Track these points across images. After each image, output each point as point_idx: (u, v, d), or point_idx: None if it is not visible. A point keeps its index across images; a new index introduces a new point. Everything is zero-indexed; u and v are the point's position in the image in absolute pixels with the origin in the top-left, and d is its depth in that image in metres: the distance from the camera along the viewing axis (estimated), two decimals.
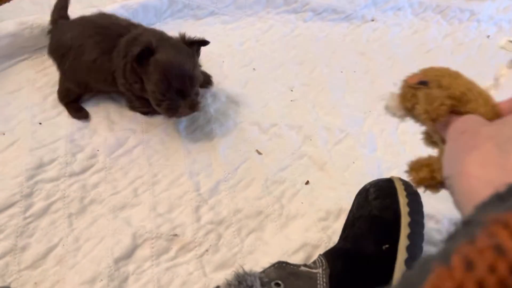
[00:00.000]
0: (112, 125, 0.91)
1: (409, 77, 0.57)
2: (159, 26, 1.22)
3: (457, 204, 0.38)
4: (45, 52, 1.08)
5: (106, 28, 0.84)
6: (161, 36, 0.83)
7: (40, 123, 0.90)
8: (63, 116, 0.92)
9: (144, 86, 0.81)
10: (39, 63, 1.06)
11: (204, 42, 0.86)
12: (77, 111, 0.92)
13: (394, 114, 0.61)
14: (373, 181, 0.67)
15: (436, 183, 0.52)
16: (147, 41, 0.76)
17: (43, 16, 1.08)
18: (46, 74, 1.03)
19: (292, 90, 1.06)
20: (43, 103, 0.95)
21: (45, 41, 1.08)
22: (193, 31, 1.22)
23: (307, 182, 0.85)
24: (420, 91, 0.52)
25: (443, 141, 0.50)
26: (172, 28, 1.22)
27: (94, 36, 0.83)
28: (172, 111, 0.81)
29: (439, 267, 0.19)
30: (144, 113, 0.91)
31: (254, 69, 1.11)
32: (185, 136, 0.91)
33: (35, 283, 0.67)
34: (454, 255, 0.19)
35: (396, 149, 0.94)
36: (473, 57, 1.24)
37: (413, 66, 1.17)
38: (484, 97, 0.49)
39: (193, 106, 0.81)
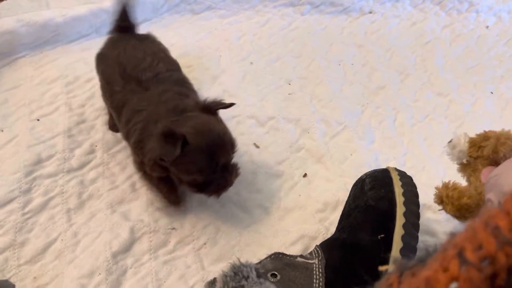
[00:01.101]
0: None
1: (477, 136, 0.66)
2: (156, 21, 1.23)
3: (496, 191, 0.45)
4: (43, 48, 1.09)
5: (125, 80, 0.76)
6: (179, 111, 0.70)
7: (38, 120, 0.90)
8: (60, 112, 0.92)
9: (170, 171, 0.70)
10: (37, 60, 1.06)
11: (227, 106, 0.73)
12: (115, 124, 0.85)
13: (452, 149, 0.68)
14: (369, 171, 0.67)
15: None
16: (180, 135, 0.63)
17: (40, 13, 1.08)
18: (43, 71, 1.03)
19: (289, 84, 1.06)
20: (40, 100, 0.95)
21: (44, 37, 1.09)
22: (190, 26, 1.22)
23: (305, 175, 0.85)
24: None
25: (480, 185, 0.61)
26: (169, 23, 1.23)
27: (114, 83, 0.77)
28: (220, 189, 0.71)
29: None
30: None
31: (251, 63, 1.11)
32: None
33: (34, 277, 0.68)
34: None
35: (394, 141, 0.94)
36: (472, 48, 1.23)
37: (412, 58, 1.18)
38: None
39: (237, 172, 0.73)
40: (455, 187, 0.63)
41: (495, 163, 0.62)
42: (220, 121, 0.71)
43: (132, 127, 0.71)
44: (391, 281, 0.27)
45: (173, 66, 0.83)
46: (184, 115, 0.68)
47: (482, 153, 0.63)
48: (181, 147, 0.63)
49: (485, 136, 0.65)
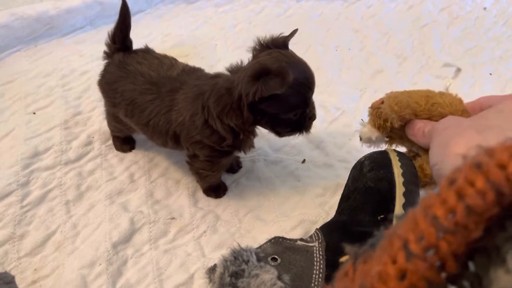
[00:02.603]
0: None
1: (373, 103, 0.65)
2: (150, 12, 1.22)
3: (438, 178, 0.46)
4: (37, 42, 1.08)
5: (155, 85, 0.70)
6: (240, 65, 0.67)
7: (34, 113, 0.90)
8: (56, 105, 0.92)
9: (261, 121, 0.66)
10: (32, 54, 1.06)
11: (293, 34, 0.67)
12: (122, 143, 0.85)
13: (369, 140, 0.66)
14: (368, 154, 0.67)
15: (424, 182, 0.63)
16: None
17: (34, 6, 1.07)
18: (38, 65, 1.03)
19: None
20: (36, 93, 0.94)
21: (38, 30, 1.08)
22: (185, 16, 1.21)
23: (304, 161, 0.84)
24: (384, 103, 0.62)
25: (423, 149, 0.61)
26: (164, 13, 1.22)
27: (145, 94, 0.70)
28: (309, 123, 0.68)
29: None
30: (204, 177, 0.75)
31: (247, 51, 1.09)
32: None
33: (35, 269, 0.67)
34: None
35: None
36: (470, 30, 1.22)
37: (409, 42, 1.17)
38: (451, 102, 0.59)
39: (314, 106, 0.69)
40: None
41: (405, 122, 0.61)
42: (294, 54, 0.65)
43: (200, 115, 0.66)
44: (347, 269, 0.27)
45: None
46: (267, 52, 0.63)
47: (389, 123, 0.61)
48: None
49: (376, 110, 0.63)
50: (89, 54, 1.06)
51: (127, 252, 0.69)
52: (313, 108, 0.68)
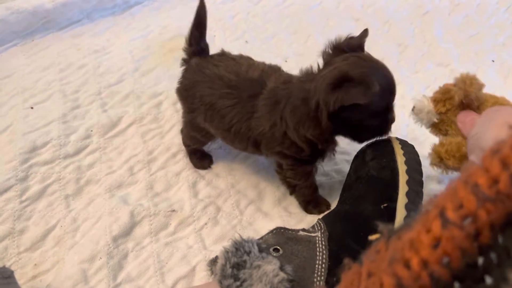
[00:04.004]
0: (104, 105, 0.90)
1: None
2: (147, 4, 1.20)
3: (477, 151, 0.46)
4: (34, 36, 1.07)
5: (235, 88, 0.67)
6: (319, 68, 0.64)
7: (32, 108, 0.89)
8: (54, 99, 0.91)
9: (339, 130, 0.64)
10: (29, 48, 1.05)
11: (366, 35, 0.65)
12: (200, 158, 0.81)
13: (420, 112, 0.65)
14: (370, 142, 0.66)
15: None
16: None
17: (29, 0, 1.06)
18: (35, 59, 1.02)
19: (286, 61, 1.03)
20: (34, 88, 0.93)
21: (34, 24, 1.07)
22: (183, 7, 1.20)
23: None
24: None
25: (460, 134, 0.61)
26: (162, 5, 1.21)
27: (225, 98, 0.67)
28: (388, 128, 0.65)
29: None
30: (292, 186, 0.72)
31: (246, 41, 1.08)
32: (179, 113, 0.90)
33: (35, 264, 0.67)
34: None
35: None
36: (472, 17, 1.20)
37: (410, 29, 1.15)
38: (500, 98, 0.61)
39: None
40: (449, 141, 0.61)
41: (467, 107, 0.61)
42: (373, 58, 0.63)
43: (279, 126, 0.63)
44: (379, 247, 0.27)
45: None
46: (338, 58, 0.60)
47: (451, 104, 0.62)
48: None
49: (445, 89, 0.63)
50: (87, 48, 1.05)
51: (127, 246, 0.69)
52: (393, 112, 0.65)
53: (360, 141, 0.66)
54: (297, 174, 0.69)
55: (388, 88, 0.60)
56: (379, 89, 0.55)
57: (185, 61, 0.75)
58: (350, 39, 0.62)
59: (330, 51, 0.62)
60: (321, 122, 0.60)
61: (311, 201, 0.72)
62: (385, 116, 0.63)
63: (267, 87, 0.65)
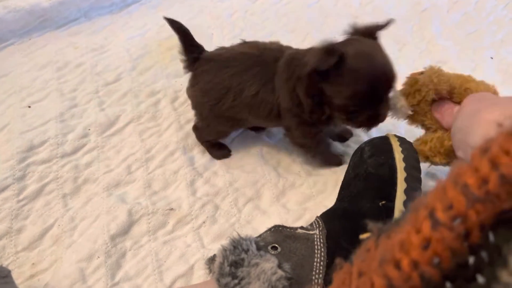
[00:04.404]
0: (102, 104, 0.90)
1: (413, 72, 0.66)
2: (145, 3, 1.20)
3: (465, 147, 0.46)
4: (31, 35, 1.07)
5: (259, 57, 0.70)
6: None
7: (29, 107, 0.89)
8: (51, 98, 0.90)
9: (323, 101, 0.65)
10: (26, 47, 1.05)
11: (385, 25, 0.65)
12: (219, 149, 0.83)
13: (393, 107, 0.65)
14: (368, 139, 0.65)
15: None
16: (339, 51, 0.58)
17: None
18: (33, 58, 1.01)
19: None
20: (31, 87, 0.93)
21: (31, 23, 1.07)
22: (180, 5, 1.20)
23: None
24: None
25: (443, 129, 0.61)
26: (160, 3, 1.20)
27: (251, 68, 0.70)
28: (372, 122, 0.65)
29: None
30: (300, 145, 0.77)
31: (244, 39, 1.08)
32: (177, 111, 0.90)
33: (33, 263, 0.67)
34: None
35: None
36: (470, 14, 1.20)
37: (408, 27, 1.15)
38: (484, 85, 0.61)
39: (389, 107, 0.65)
40: (430, 137, 0.61)
41: (439, 98, 0.61)
42: (382, 48, 0.63)
43: (289, 82, 0.67)
44: (369, 246, 0.27)
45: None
46: (346, 38, 0.63)
47: (420, 95, 0.62)
48: (337, 64, 0.58)
49: (412, 81, 0.64)
50: (84, 46, 1.04)
51: (125, 244, 0.68)
52: (382, 107, 0.63)
53: (341, 120, 0.67)
54: (304, 134, 0.72)
55: (377, 78, 0.60)
56: (354, 70, 0.58)
57: (187, 67, 0.76)
58: (368, 26, 0.63)
59: (351, 33, 0.64)
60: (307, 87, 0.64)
61: (328, 158, 0.78)
62: (373, 108, 0.62)
63: (286, 53, 0.69)
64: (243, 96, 0.71)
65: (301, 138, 0.73)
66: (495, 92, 0.60)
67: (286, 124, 0.73)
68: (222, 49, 0.75)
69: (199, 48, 0.76)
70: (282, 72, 0.68)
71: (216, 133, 0.80)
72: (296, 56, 0.67)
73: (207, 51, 0.76)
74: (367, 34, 0.63)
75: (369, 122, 0.65)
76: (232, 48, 0.74)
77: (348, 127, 0.78)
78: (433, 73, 0.61)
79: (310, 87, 0.63)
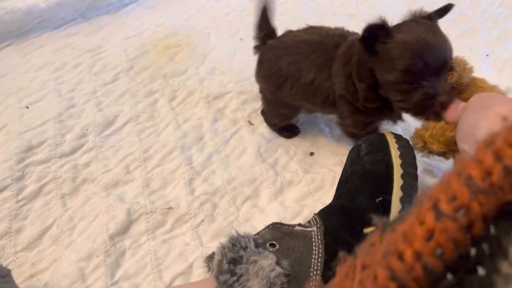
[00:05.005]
0: (99, 104, 0.90)
1: None
2: (142, 3, 1.20)
3: (470, 141, 0.46)
4: (28, 36, 1.07)
5: (320, 44, 0.71)
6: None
7: (27, 107, 0.89)
8: (49, 98, 0.91)
9: (377, 83, 0.64)
10: (23, 48, 1.05)
11: (449, 8, 0.66)
12: (288, 130, 0.85)
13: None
14: (365, 137, 0.66)
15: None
16: (376, 24, 0.59)
17: None
18: (30, 59, 1.01)
19: None
20: (29, 87, 0.93)
21: (29, 24, 1.07)
22: (177, 5, 1.20)
23: (312, 153, 0.83)
24: None
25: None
26: (157, 4, 1.20)
27: (309, 55, 0.70)
28: (429, 102, 0.59)
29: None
30: (351, 135, 0.76)
31: (241, 39, 1.08)
32: (175, 110, 0.90)
33: (32, 263, 0.67)
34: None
35: None
36: (466, 12, 1.20)
37: None
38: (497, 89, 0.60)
39: (451, 93, 0.59)
40: (433, 125, 0.60)
41: (457, 94, 0.60)
42: (439, 30, 0.62)
43: (347, 67, 0.67)
44: (374, 240, 0.27)
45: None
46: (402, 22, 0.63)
47: None
48: (385, 36, 0.58)
49: None
50: (82, 47, 1.05)
51: (124, 244, 0.69)
52: (443, 89, 0.58)
53: (401, 108, 0.64)
54: (356, 123, 0.71)
55: (428, 51, 0.57)
56: (406, 45, 0.57)
57: (257, 48, 0.80)
58: (427, 12, 0.64)
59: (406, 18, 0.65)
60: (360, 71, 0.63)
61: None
62: (429, 86, 0.58)
63: (348, 39, 0.69)
64: (300, 83, 0.72)
65: (352, 127, 0.73)
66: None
67: (340, 112, 0.73)
68: (287, 35, 0.77)
69: (270, 29, 0.79)
70: (340, 58, 0.68)
71: (280, 116, 0.82)
72: (356, 42, 0.65)
73: (275, 37, 0.79)
74: (425, 18, 0.63)
75: (426, 103, 0.59)
76: (297, 33, 0.75)
77: (404, 114, 0.72)
78: (461, 61, 0.60)
79: (361, 68, 0.64)
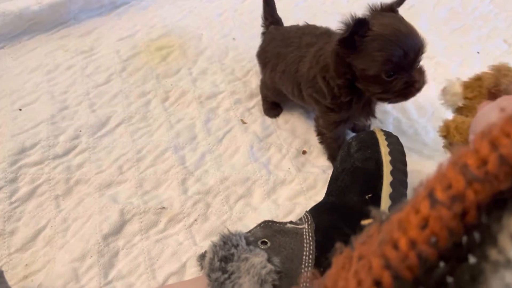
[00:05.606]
0: (92, 106, 0.90)
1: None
2: (134, 4, 1.21)
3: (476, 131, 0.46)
4: (21, 39, 1.07)
5: (298, 38, 0.77)
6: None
7: (20, 109, 0.89)
8: (42, 100, 0.91)
9: (355, 79, 0.66)
10: (15, 51, 1.05)
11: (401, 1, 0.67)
12: (272, 108, 0.91)
13: (447, 93, 0.66)
14: (355, 135, 0.66)
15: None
16: (359, 18, 0.60)
17: (15, 2, 1.06)
18: (23, 61, 1.01)
19: None
20: (21, 90, 0.93)
21: (21, 26, 1.07)
22: (170, 7, 1.20)
23: (304, 152, 0.83)
24: None
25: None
26: (149, 5, 1.21)
27: (289, 46, 0.77)
28: (409, 89, 0.63)
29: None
30: (320, 135, 0.80)
31: (234, 39, 1.09)
32: (168, 111, 0.90)
33: (26, 264, 0.67)
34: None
35: (382, 107, 0.93)
36: (456, 9, 1.21)
37: None
38: None
39: (424, 75, 0.64)
40: (462, 119, 0.60)
41: (494, 98, 0.59)
42: (404, 18, 0.64)
43: (314, 68, 0.70)
44: (372, 232, 0.27)
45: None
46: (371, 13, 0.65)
47: (479, 90, 0.61)
48: (363, 31, 0.59)
49: (478, 76, 0.63)
50: (74, 49, 1.05)
51: (118, 244, 0.69)
52: (419, 75, 0.63)
53: (381, 99, 0.66)
54: (325, 123, 0.75)
55: (406, 41, 0.59)
56: (385, 39, 0.58)
57: (263, 34, 0.89)
58: (388, 3, 0.66)
59: (369, 13, 0.66)
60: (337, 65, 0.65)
61: (336, 156, 0.75)
62: (408, 74, 0.62)
63: (321, 40, 0.73)
64: (277, 70, 0.79)
65: (323, 127, 0.76)
66: None
67: (317, 111, 0.77)
68: (288, 28, 0.85)
69: (275, 18, 0.89)
70: (309, 59, 0.72)
71: (264, 93, 0.90)
72: (324, 47, 0.69)
73: (281, 27, 0.88)
74: (387, 10, 0.65)
75: (407, 90, 0.63)
76: (293, 29, 0.82)
77: (383, 104, 0.79)
78: (503, 67, 0.60)
79: (340, 65, 0.65)
